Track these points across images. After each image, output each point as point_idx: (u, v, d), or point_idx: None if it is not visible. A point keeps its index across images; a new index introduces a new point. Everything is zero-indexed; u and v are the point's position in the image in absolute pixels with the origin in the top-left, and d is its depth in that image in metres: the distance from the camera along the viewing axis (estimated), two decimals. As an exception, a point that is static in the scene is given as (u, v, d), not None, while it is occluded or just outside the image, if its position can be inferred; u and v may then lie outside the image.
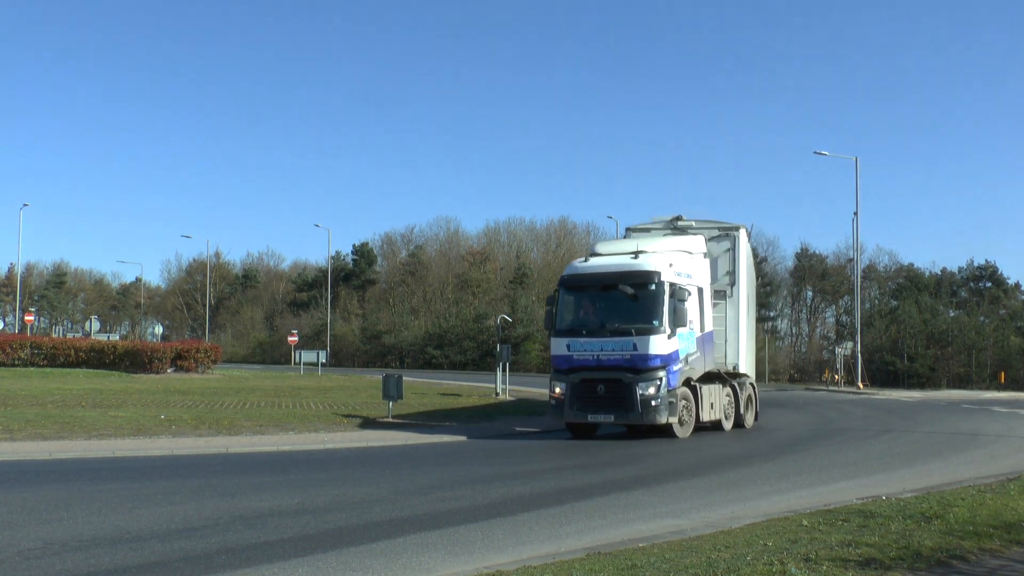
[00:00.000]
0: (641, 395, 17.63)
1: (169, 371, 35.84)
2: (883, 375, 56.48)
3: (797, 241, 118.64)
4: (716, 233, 20.88)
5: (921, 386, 53.27)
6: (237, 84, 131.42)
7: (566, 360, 18.53)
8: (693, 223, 20.87)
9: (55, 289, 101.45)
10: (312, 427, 19.64)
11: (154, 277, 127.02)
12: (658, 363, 17.76)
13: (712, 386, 19.94)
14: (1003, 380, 53.79)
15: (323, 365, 49.44)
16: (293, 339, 53.96)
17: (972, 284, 70.82)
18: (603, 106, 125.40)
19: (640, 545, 7.67)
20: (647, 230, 21.25)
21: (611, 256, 19.39)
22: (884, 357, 57.70)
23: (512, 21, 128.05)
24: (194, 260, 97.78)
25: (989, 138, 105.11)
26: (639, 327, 17.93)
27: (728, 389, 20.85)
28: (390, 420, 21.55)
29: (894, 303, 65.94)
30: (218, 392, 28.64)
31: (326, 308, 73.52)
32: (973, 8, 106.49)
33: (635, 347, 17.84)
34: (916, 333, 57.82)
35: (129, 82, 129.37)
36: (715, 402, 19.98)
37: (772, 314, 68.67)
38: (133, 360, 36.18)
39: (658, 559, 6.98)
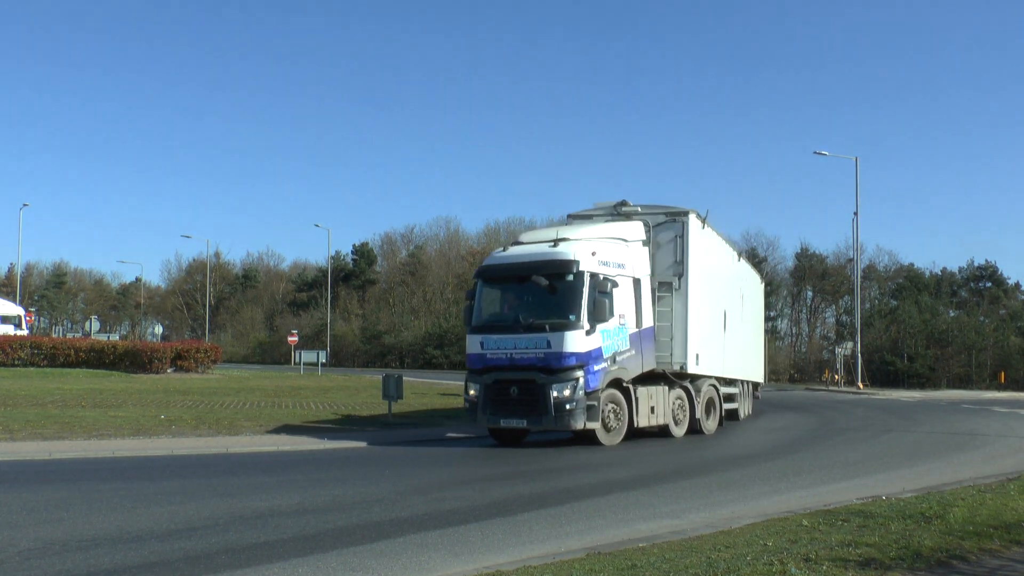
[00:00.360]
0: (555, 398, 16.05)
1: (169, 371, 35.82)
2: (883, 375, 56.51)
3: (797, 241, 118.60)
4: (662, 219, 18.79)
5: (921, 386, 53.31)
6: (237, 84, 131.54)
7: (480, 359, 17.05)
8: (638, 208, 19.01)
9: (55, 289, 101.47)
10: (313, 426, 19.62)
11: (154, 277, 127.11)
12: (573, 362, 16.16)
13: (654, 388, 18.18)
14: (1003, 380, 53.83)
15: (323, 365, 49.43)
16: (293, 339, 53.96)
17: (972, 284, 70.90)
18: (603, 106, 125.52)
19: (640, 545, 7.66)
20: (588, 216, 19.44)
21: (532, 245, 17.78)
22: (884, 357, 57.73)
23: (512, 20, 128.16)
24: (194, 260, 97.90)
25: (989, 138, 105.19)
26: (553, 322, 16.36)
27: (679, 392, 19.01)
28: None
29: (894, 303, 66.01)
30: (218, 392, 28.63)
31: (326, 308, 73.52)
32: (973, 8, 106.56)
33: (549, 344, 16.26)
34: (916, 333, 57.86)
35: (129, 82, 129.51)
36: (657, 406, 18.14)
37: (772, 314, 68.68)
38: (133, 360, 36.14)
39: (658, 559, 6.97)
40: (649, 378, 18.21)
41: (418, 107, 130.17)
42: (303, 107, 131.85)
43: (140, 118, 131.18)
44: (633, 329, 17.59)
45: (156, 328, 67.04)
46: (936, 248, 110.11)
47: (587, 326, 16.31)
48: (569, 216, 20.14)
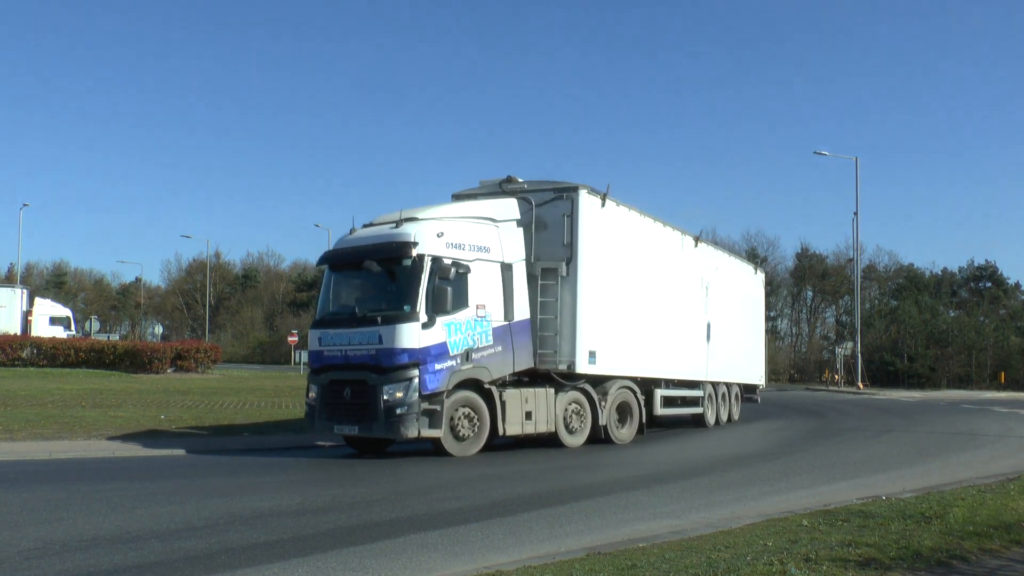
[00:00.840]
0: (385, 400, 14.10)
1: (169, 371, 35.82)
2: (883, 375, 56.56)
3: (797, 241, 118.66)
4: (550, 196, 16.53)
5: (921, 386, 53.37)
6: (237, 84, 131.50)
7: (318, 357, 15.31)
8: (525, 184, 16.96)
9: (55, 289, 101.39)
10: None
11: (154, 277, 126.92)
12: (406, 359, 14.13)
13: (532, 390, 15.89)
14: (1003, 380, 53.93)
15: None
16: (293, 339, 53.89)
17: (972, 284, 71.03)
18: (602, 106, 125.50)
19: (640, 545, 7.66)
20: (472, 195, 17.21)
21: (378, 226, 15.83)
22: (884, 357, 57.79)
23: (510, 19, 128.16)
24: (194, 260, 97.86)
25: (989, 138, 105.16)
26: (386, 314, 14.46)
27: (575, 395, 16.65)
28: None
29: (894, 303, 66.13)
30: (218, 392, 28.64)
31: (326, 308, 73.32)
32: (973, 8, 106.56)
33: (380, 339, 14.32)
34: (916, 333, 57.94)
35: (129, 82, 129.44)
36: (537, 411, 15.79)
37: (772, 314, 68.71)
38: (133, 360, 36.15)
39: (658, 559, 6.97)
40: (536, 379, 16.25)
41: (417, 106, 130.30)
42: (303, 107, 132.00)
43: (140, 118, 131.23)
44: (500, 322, 15.46)
45: (156, 328, 67.02)
46: (936, 248, 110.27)
47: (424, 318, 14.29)
48: (453, 195, 17.73)
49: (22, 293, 48.37)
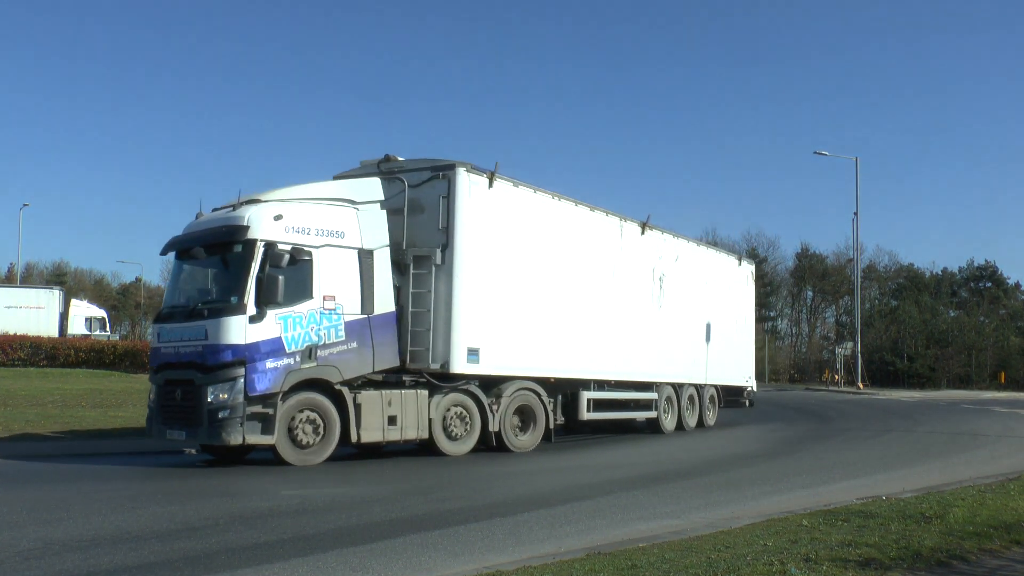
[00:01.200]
0: (209, 403, 12.68)
1: (169, 371, 35.85)
2: (883, 375, 56.63)
3: (797, 241, 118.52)
4: (427, 176, 14.89)
5: (921, 386, 53.44)
6: (236, 83, 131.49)
7: (155, 355, 14.01)
8: (404, 163, 15.52)
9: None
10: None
11: (154, 277, 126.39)
12: (229, 357, 12.68)
13: (397, 392, 14.24)
14: (1003, 380, 54.01)
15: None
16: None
17: (972, 284, 71.11)
18: (602, 105, 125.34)
19: (640, 545, 7.66)
20: (351, 176, 15.80)
21: (221, 211, 14.31)
22: (884, 357, 57.86)
23: (512, 17, 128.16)
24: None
25: (989, 138, 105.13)
26: (212, 307, 13.24)
27: (458, 397, 15.05)
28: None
29: (894, 303, 66.26)
30: (218, 392, 28.60)
31: (326, 308, 73.26)
32: (974, 8, 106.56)
33: (206, 334, 13.00)
34: (916, 333, 58.04)
35: (129, 81, 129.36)
36: (404, 415, 14.18)
37: (772, 314, 68.82)
38: (133, 360, 36.20)
39: (658, 559, 6.97)
40: (406, 379, 14.65)
41: (417, 104, 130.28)
42: (302, 105, 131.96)
43: (140, 118, 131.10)
44: (356, 316, 13.87)
45: (156, 328, 66.78)
46: (936, 248, 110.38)
47: (252, 310, 12.81)
48: (334, 176, 16.17)
49: (59, 294, 48.38)
